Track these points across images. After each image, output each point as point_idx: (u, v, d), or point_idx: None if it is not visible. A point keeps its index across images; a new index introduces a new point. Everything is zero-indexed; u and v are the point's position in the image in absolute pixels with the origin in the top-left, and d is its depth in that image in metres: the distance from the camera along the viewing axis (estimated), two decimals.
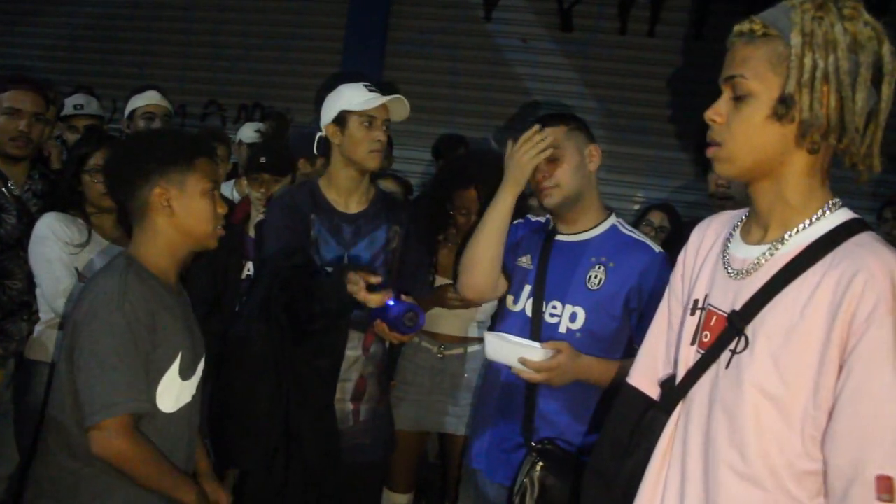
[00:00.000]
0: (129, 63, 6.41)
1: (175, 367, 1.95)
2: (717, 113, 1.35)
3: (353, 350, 2.63)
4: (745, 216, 1.46)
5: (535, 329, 2.31)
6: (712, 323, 1.40)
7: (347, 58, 5.88)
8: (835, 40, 1.24)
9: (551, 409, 2.29)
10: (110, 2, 6.51)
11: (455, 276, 2.50)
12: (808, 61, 1.24)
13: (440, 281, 3.15)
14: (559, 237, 2.40)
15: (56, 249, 2.68)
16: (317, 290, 2.35)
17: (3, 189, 2.95)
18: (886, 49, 1.26)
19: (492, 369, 2.44)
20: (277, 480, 2.41)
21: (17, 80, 3.05)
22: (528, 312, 2.35)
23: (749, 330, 1.31)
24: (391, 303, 2.27)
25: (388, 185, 3.72)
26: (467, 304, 2.91)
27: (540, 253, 2.39)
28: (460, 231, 3.15)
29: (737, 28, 1.34)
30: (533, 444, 2.24)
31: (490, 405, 2.44)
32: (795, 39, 1.25)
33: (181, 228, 1.97)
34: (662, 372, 1.56)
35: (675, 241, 3.75)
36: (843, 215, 1.33)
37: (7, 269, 2.90)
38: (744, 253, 1.39)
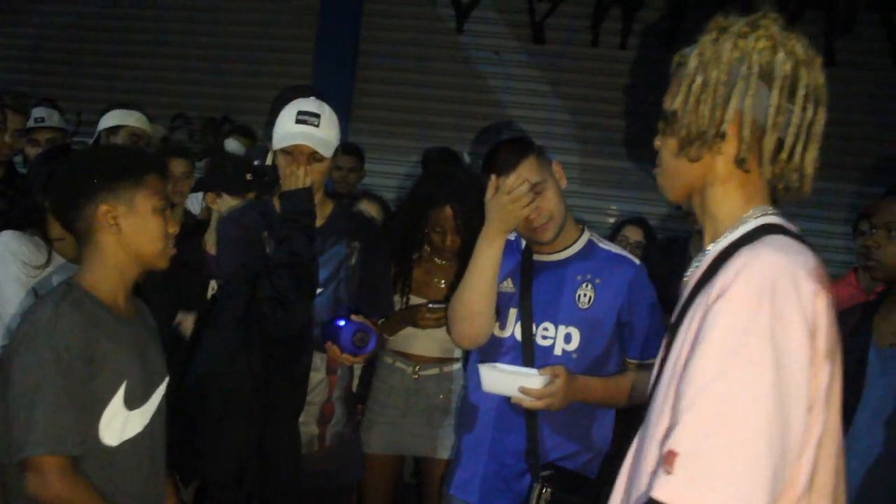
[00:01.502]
0: (95, 75, 6.29)
1: (119, 397, 1.82)
2: (657, 138, 1.42)
3: (317, 371, 2.55)
4: None
5: (528, 353, 2.27)
6: (667, 338, 1.45)
7: (318, 70, 5.80)
8: (719, 57, 1.30)
9: (554, 432, 2.24)
10: (76, 12, 6.38)
11: (448, 324, 2.41)
12: (698, 79, 1.31)
13: (414, 300, 3.09)
14: (538, 257, 2.36)
15: (14, 269, 2.58)
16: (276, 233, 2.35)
17: None
18: (780, 56, 1.29)
19: (476, 395, 2.38)
20: (246, 493, 2.34)
21: None
22: (518, 337, 2.30)
23: (675, 340, 1.36)
24: (341, 322, 2.21)
25: (366, 206, 3.65)
26: (441, 324, 2.85)
27: (521, 275, 2.34)
28: (435, 249, 3.11)
29: (673, 62, 1.43)
30: (541, 473, 2.17)
31: (480, 432, 2.38)
32: (692, 61, 1.33)
33: (130, 248, 1.87)
34: None
35: (649, 255, 3.76)
36: (753, 224, 1.34)
37: None
38: (691, 266, 1.44)
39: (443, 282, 3.12)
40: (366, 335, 2.20)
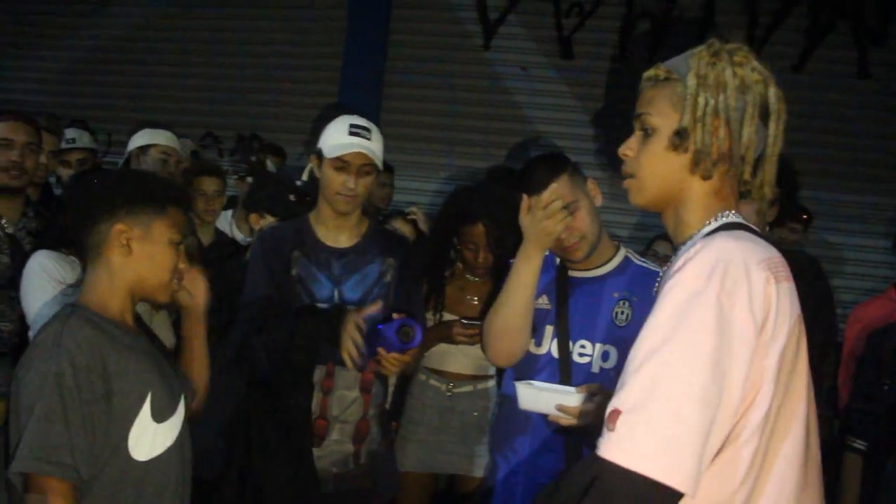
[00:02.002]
0: (124, 95, 6.36)
1: (146, 410, 1.79)
2: (629, 148, 1.50)
3: (351, 390, 2.53)
4: None
5: (565, 370, 2.23)
6: None
7: (344, 88, 5.83)
8: (725, 82, 1.39)
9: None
10: (105, 35, 6.47)
11: (484, 342, 2.38)
12: (701, 100, 1.39)
13: (447, 317, 3.06)
14: (574, 273, 2.33)
15: (48, 288, 2.59)
16: (303, 327, 2.32)
17: None
18: (772, 92, 1.42)
19: (511, 413, 2.34)
20: None
21: (9, 112, 3.00)
22: (555, 353, 2.27)
23: None
24: (381, 326, 2.19)
25: (400, 225, 3.64)
26: (475, 341, 2.82)
27: (557, 292, 2.31)
28: (468, 266, 3.09)
29: (645, 74, 1.51)
30: None
31: (516, 451, 2.34)
32: (691, 81, 1.40)
33: (136, 272, 1.84)
34: None
35: None
36: (719, 222, 1.43)
37: None
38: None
39: (476, 299, 3.10)
40: (410, 328, 2.17)
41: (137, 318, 1.97)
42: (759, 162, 1.45)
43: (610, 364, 2.23)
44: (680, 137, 1.41)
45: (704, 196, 1.44)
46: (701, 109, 1.39)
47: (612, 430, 1.24)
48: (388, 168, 4.68)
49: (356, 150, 2.48)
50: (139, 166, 3.72)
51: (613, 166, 5.49)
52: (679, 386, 1.22)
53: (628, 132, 1.52)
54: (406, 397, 3.14)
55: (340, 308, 2.39)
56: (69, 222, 2.11)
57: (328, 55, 5.96)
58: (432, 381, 3.09)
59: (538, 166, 2.30)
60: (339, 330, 2.27)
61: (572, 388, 2.04)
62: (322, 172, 2.53)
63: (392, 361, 2.27)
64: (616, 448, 1.22)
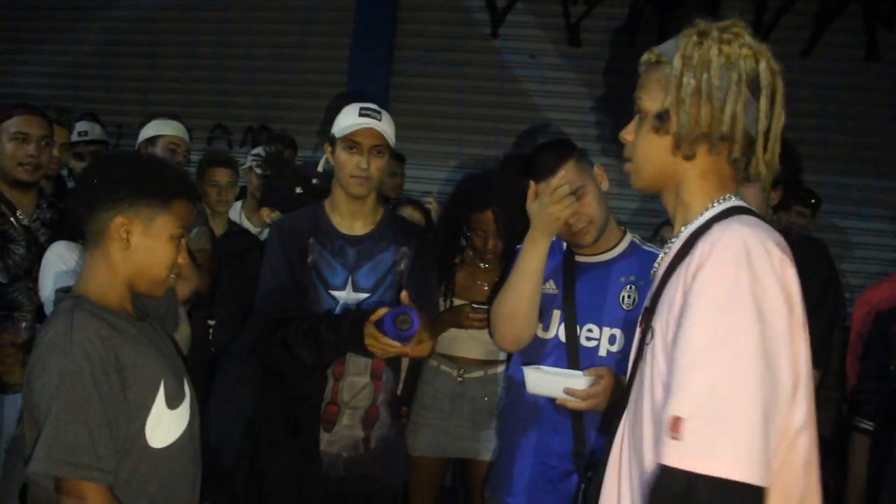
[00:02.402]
0: (133, 88, 6.40)
1: (160, 398, 1.78)
2: (628, 132, 1.53)
3: (361, 377, 2.56)
4: None
5: (573, 354, 2.25)
6: (642, 324, 1.53)
7: (353, 78, 5.84)
8: (708, 60, 1.39)
9: (601, 433, 2.22)
10: (113, 27, 6.50)
11: (491, 327, 2.40)
12: (684, 80, 1.40)
13: (457, 303, 3.09)
14: (580, 258, 2.35)
15: (65, 279, 2.62)
16: (323, 332, 2.33)
17: (12, 219, 2.90)
18: (763, 66, 1.40)
19: (519, 397, 2.36)
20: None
21: (23, 106, 3.02)
22: (562, 338, 2.29)
23: (654, 320, 1.43)
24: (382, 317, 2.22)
25: (410, 213, 3.67)
26: (485, 325, 2.84)
27: (563, 276, 2.33)
28: (477, 253, 3.11)
29: (642, 59, 1.52)
30: (588, 474, 2.16)
31: (524, 434, 2.37)
32: (677, 63, 1.41)
33: (134, 265, 1.80)
34: None
35: None
36: (721, 207, 1.44)
37: (16, 301, 2.83)
38: (661, 255, 1.53)
39: (486, 285, 3.12)
40: (406, 316, 2.18)
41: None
42: (755, 140, 1.43)
43: (616, 347, 2.25)
44: (660, 119, 1.43)
45: (698, 178, 1.45)
46: (683, 90, 1.40)
47: (678, 438, 1.23)
48: (400, 158, 4.71)
49: (366, 126, 2.49)
50: None
51: (621, 153, 5.48)
52: (737, 383, 1.22)
53: (631, 118, 1.55)
54: (417, 383, 3.16)
55: (356, 320, 2.32)
56: (72, 208, 2.04)
57: (337, 45, 5.97)
58: (443, 367, 3.12)
59: (545, 152, 2.32)
60: (361, 341, 2.25)
61: (580, 372, 2.07)
62: (335, 157, 2.55)
63: (386, 347, 2.26)
64: (692, 457, 1.22)
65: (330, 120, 2.65)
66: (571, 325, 2.28)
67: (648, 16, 5.44)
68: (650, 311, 1.46)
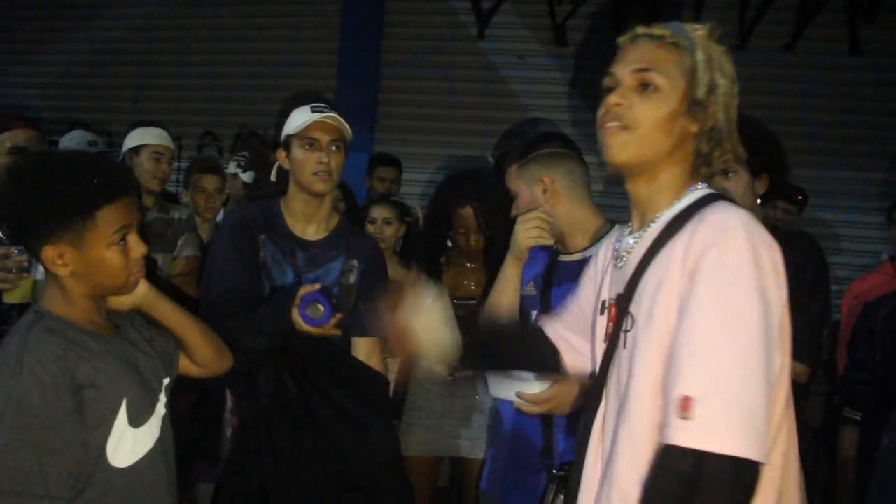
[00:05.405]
0: (124, 97, 6.40)
1: (121, 417, 1.68)
2: (623, 97, 1.48)
3: None
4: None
5: None
6: (612, 314, 1.54)
7: (342, 82, 5.85)
8: (724, 68, 1.48)
9: (569, 434, 2.25)
10: (102, 37, 6.50)
11: None
12: (707, 76, 1.45)
13: None
14: (563, 258, 2.39)
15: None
16: (260, 313, 2.33)
17: None
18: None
19: None
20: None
21: (21, 119, 3.02)
22: None
23: (633, 307, 1.45)
24: (299, 300, 2.25)
25: (380, 210, 3.69)
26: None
27: (543, 276, 2.38)
28: (461, 251, 3.14)
29: (644, 29, 1.51)
30: (555, 471, 2.19)
31: (503, 430, 2.42)
32: (700, 56, 1.46)
33: (85, 282, 1.69)
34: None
35: None
36: (701, 192, 1.48)
37: None
38: (626, 244, 1.54)
39: (473, 284, 3.14)
40: (316, 306, 2.22)
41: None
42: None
43: None
44: (699, 107, 1.45)
45: (682, 165, 1.49)
46: (709, 85, 1.45)
47: (689, 418, 1.26)
48: (396, 164, 4.74)
49: (322, 118, 2.48)
50: (132, 168, 3.69)
51: None
52: (749, 365, 1.26)
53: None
54: (409, 384, 3.18)
55: (285, 299, 2.36)
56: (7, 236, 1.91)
57: (324, 51, 5.98)
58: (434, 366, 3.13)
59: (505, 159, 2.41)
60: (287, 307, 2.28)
61: (532, 376, 2.06)
62: (292, 158, 2.52)
63: (307, 331, 2.30)
64: (704, 436, 1.25)
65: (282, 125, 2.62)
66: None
67: (634, 13, 5.47)
68: (626, 298, 1.47)
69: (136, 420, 1.73)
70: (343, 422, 2.43)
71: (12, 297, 2.57)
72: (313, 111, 2.51)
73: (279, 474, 2.40)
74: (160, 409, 1.83)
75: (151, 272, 2.83)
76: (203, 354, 1.97)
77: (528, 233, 2.27)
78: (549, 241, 2.31)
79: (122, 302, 1.82)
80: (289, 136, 2.54)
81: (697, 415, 1.25)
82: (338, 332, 2.38)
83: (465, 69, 5.80)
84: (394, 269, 3.31)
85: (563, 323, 1.86)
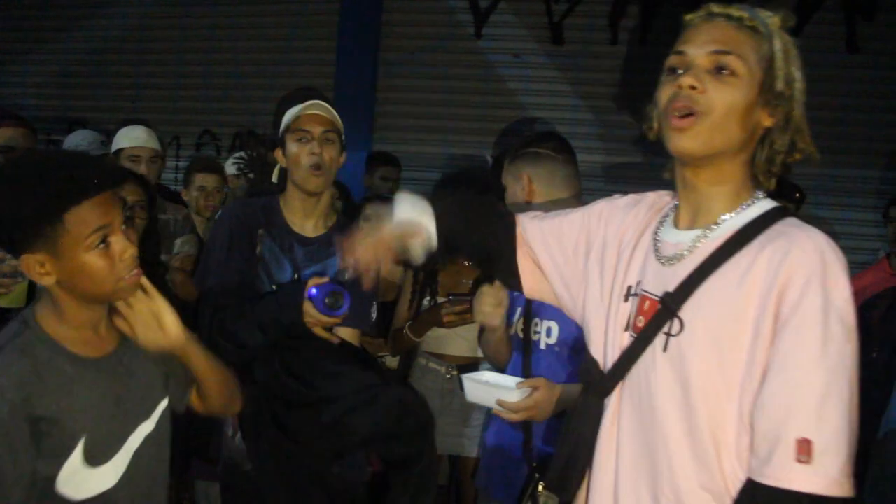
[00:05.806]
0: (122, 97, 6.40)
1: (76, 455, 1.55)
2: (698, 80, 1.35)
3: None
4: (676, 203, 1.50)
5: (527, 349, 2.32)
6: (645, 307, 1.43)
7: (340, 81, 5.85)
8: (797, 59, 1.40)
9: (547, 429, 2.26)
10: (100, 36, 6.51)
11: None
12: (786, 67, 1.38)
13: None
14: None
15: None
16: (259, 308, 2.31)
17: None
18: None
19: None
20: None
21: (12, 118, 3.03)
22: (521, 333, 2.36)
23: (684, 312, 1.35)
24: (313, 290, 2.23)
25: (371, 209, 3.69)
26: (467, 320, 2.88)
27: None
28: None
29: (720, 8, 1.39)
30: (534, 464, 2.20)
31: (494, 422, 2.44)
32: (778, 45, 1.37)
33: (72, 288, 1.55)
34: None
35: None
36: (768, 204, 1.41)
37: None
38: (675, 238, 1.44)
39: (470, 282, 3.15)
40: (338, 296, 2.21)
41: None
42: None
43: (553, 339, 2.28)
44: (781, 98, 1.37)
45: (747, 164, 1.41)
46: (786, 78, 1.38)
47: (808, 462, 1.22)
48: (395, 163, 4.75)
49: (313, 105, 2.47)
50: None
51: (607, 149, 5.53)
52: (848, 407, 1.24)
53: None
54: (407, 382, 3.19)
55: (291, 293, 2.34)
56: None
57: (322, 49, 5.99)
58: (432, 365, 3.15)
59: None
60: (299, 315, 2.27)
61: (513, 384, 2.05)
62: (287, 154, 2.51)
63: (319, 321, 2.26)
64: (823, 480, 1.22)
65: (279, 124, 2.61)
66: (527, 321, 2.35)
67: (630, 12, 5.48)
68: (676, 300, 1.36)
69: (95, 459, 1.59)
70: (348, 394, 2.39)
71: (6, 302, 2.57)
72: (303, 102, 2.51)
73: (285, 457, 2.40)
74: (135, 444, 1.67)
75: (158, 277, 2.81)
76: (214, 402, 1.86)
77: (481, 307, 2.25)
78: (498, 322, 2.28)
79: (153, 345, 1.65)
80: (283, 134, 2.54)
81: (818, 461, 1.22)
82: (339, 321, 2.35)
83: (463, 68, 5.81)
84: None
85: (538, 242, 1.70)
